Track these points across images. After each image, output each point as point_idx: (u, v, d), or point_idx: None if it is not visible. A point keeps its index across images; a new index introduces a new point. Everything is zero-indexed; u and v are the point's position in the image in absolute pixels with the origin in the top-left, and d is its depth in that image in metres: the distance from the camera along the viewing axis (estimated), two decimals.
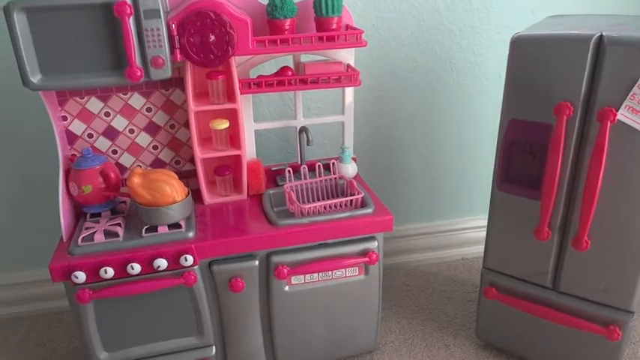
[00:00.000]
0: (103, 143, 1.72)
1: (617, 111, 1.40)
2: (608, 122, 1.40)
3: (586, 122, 1.46)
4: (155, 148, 1.77)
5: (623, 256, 1.54)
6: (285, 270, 1.59)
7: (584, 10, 2.12)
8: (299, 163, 1.88)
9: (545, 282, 1.71)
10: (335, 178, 1.82)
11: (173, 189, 1.51)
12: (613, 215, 1.51)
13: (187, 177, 1.80)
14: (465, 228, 2.56)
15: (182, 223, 1.57)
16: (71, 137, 1.69)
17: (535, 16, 2.10)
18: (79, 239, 1.50)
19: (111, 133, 1.72)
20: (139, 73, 1.43)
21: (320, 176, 1.81)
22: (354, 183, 1.75)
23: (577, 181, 1.53)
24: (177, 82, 1.68)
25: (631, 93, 1.37)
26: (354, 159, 1.91)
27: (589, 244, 1.56)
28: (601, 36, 1.38)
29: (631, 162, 1.44)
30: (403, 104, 2.21)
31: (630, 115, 1.39)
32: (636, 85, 1.36)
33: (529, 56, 1.49)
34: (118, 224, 1.57)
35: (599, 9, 2.15)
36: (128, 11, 1.35)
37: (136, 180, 1.49)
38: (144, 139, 1.75)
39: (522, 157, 1.61)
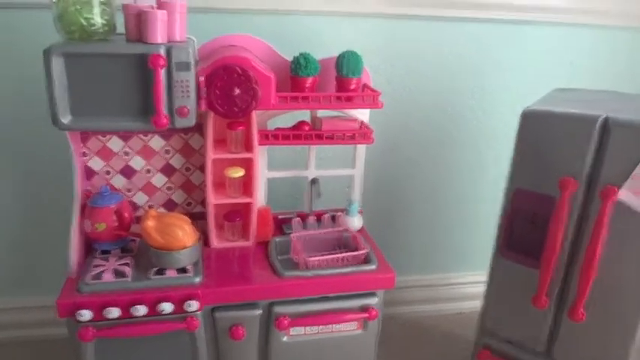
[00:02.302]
0: (119, 180, 1.76)
1: (619, 190, 1.46)
2: (610, 201, 1.46)
3: (589, 198, 1.52)
4: (169, 189, 1.82)
5: (616, 329, 1.58)
6: (286, 321, 1.61)
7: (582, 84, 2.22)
8: (306, 212, 1.92)
9: (539, 348, 1.73)
10: (341, 230, 1.87)
11: (185, 234, 1.55)
12: (609, 289, 1.55)
13: (197, 219, 1.81)
14: (463, 283, 2.60)
15: (189, 268, 1.59)
16: (89, 173, 1.73)
17: (538, 85, 2.19)
18: (89, 277, 1.52)
19: (128, 172, 1.76)
20: (165, 121, 1.48)
21: (326, 227, 1.85)
22: (359, 238, 1.79)
23: (576, 255, 1.58)
24: (197, 127, 1.72)
25: (633, 174, 1.44)
26: (360, 212, 1.95)
27: (584, 316, 1.60)
28: (606, 118, 1.46)
29: (629, 240, 1.49)
30: (411, 158, 2.29)
31: (631, 195, 1.45)
32: (638, 167, 1.42)
33: (538, 130, 1.56)
34: (127, 264, 1.60)
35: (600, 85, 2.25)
36: (162, 63, 1.42)
37: (151, 223, 1.53)
38: (159, 179, 1.79)
39: (525, 226, 1.66)
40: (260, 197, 1.83)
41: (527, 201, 1.62)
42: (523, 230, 1.67)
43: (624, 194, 1.46)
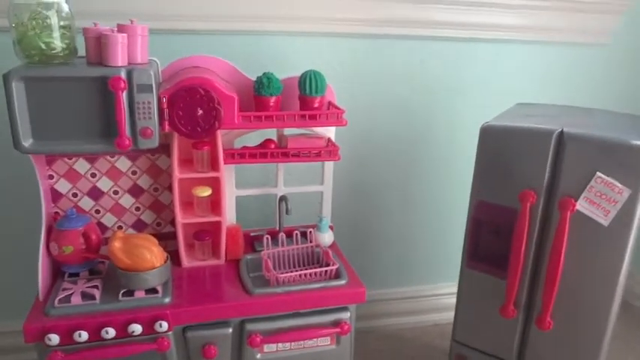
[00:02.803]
0: (86, 203, 1.76)
1: (577, 202, 1.50)
2: (568, 212, 1.50)
3: (548, 210, 1.56)
4: (137, 209, 1.82)
5: (584, 336, 1.61)
6: (259, 338, 1.62)
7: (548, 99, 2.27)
8: (277, 229, 1.94)
9: (510, 358, 1.76)
10: (312, 246, 1.88)
11: (153, 255, 1.55)
12: (574, 298, 1.59)
13: (167, 239, 1.83)
14: (438, 294, 2.62)
15: (159, 288, 1.59)
16: (55, 195, 1.73)
17: (503, 100, 2.24)
18: (56, 301, 1.52)
19: (95, 194, 1.76)
20: (127, 143, 1.49)
21: (297, 244, 1.86)
22: (330, 253, 1.81)
23: (540, 265, 1.61)
24: (163, 148, 1.74)
25: (589, 186, 1.48)
26: (330, 227, 1.97)
27: (552, 324, 1.63)
28: (562, 131, 1.50)
29: (590, 249, 1.53)
30: (380, 172, 2.32)
31: (588, 206, 1.49)
32: (593, 178, 1.46)
33: (497, 144, 1.60)
34: (96, 286, 1.60)
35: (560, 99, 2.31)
36: (122, 85, 1.43)
37: (117, 244, 1.53)
38: (127, 200, 1.80)
39: (489, 237, 1.69)
40: (229, 215, 1.84)
41: (489, 213, 1.65)
42: (488, 241, 1.70)
43: (582, 205, 1.50)
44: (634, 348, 2.51)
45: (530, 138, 1.53)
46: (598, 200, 1.47)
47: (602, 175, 1.45)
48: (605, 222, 1.48)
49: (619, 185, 1.44)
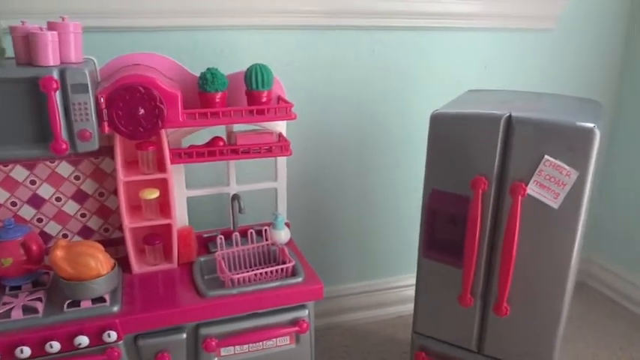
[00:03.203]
0: (27, 212, 1.68)
1: (527, 186, 1.50)
2: (519, 196, 1.50)
3: (500, 195, 1.56)
4: (83, 216, 1.74)
5: (541, 321, 1.62)
6: (214, 342, 1.57)
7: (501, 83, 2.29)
8: (232, 229, 1.89)
9: (470, 346, 1.76)
10: (267, 245, 1.84)
11: (98, 262, 1.48)
12: (530, 282, 1.59)
13: (116, 245, 1.77)
14: (401, 286, 2.61)
15: (107, 297, 1.52)
16: None
17: (455, 87, 2.25)
18: None
19: (36, 202, 1.68)
20: (64, 146, 1.42)
21: (252, 243, 1.82)
22: (286, 250, 1.77)
23: (495, 251, 1.61)
24: (106, 150, 1.67)
25: (538, 169, 1.48)
26: (287, 224, 1.93)
27: (508, 310, 1.63)
28: (510, 116, 1.50)
29: (542, 232, 1.53)
30: (336, 164, 2.29)
31: (538, 189, 1.49)
32: (542, 162, 1.47)
33: (447, 131, 1.59)
34: (39, 299, 1.52)
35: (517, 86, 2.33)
36: (54, 86, 1.36)
37: (59, 253, 1.46)
38: (71, 207, 1.72)
39: (445, 226, 1.68)
40: (180, 217, 1.79)
41: (443, 201, 1.64)
42: (443, 230, 1.69)
43: (532, 189, 1.50)
44: (592, 325, 2.57)
45: (479, 124, 1.52)
46: (547, 183, 1.47)
47: (550, 158, 1.45)
48: (555, 205, 1.48)
49: (567, 167, 1.44)
